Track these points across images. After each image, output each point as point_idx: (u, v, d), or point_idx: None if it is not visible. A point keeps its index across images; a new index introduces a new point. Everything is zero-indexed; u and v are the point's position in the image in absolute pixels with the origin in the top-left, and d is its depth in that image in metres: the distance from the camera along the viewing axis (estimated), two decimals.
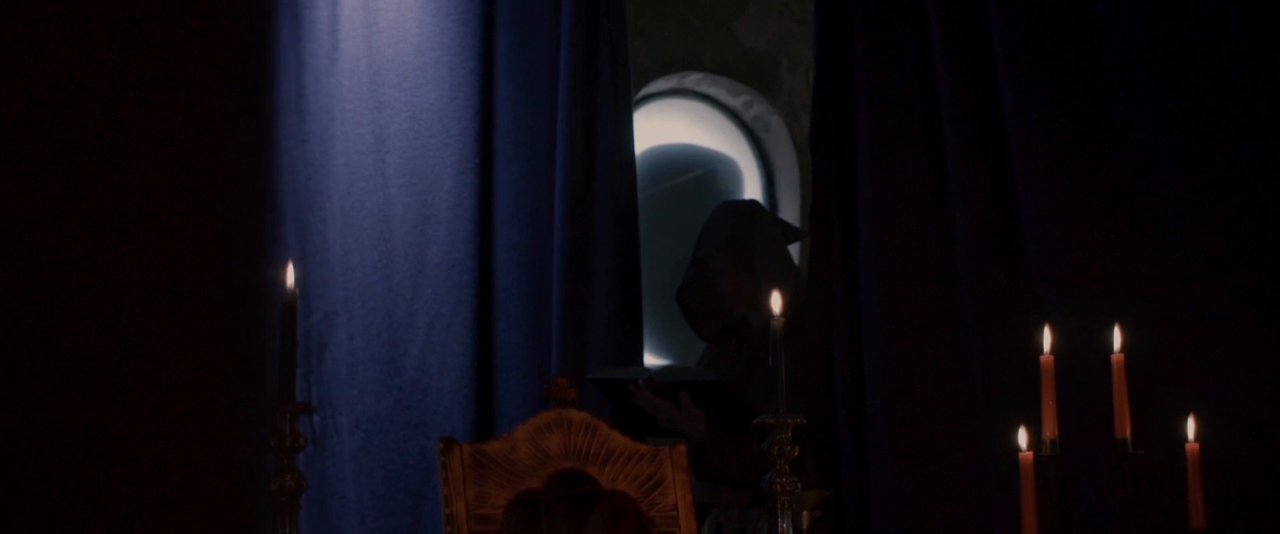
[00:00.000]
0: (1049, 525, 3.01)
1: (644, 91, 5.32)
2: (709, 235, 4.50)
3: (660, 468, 2.67)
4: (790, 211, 5.41)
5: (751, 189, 5.52)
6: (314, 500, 4.09)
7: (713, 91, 5.54)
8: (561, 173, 4.32)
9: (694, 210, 5.36)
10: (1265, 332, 3.88)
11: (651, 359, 5.26)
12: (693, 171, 5.43)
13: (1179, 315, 3.83)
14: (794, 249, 4.63)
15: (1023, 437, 2.91)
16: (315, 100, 4.19)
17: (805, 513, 3.03)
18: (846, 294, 4.20)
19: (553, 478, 2.63)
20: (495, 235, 4.34)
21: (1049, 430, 2.89)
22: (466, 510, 2.56)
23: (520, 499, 2.63)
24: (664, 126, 5.46)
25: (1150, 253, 3.97)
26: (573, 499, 2.71)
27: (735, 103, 5.53)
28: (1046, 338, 2.93)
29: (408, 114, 4.29)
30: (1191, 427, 2.97)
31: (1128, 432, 2.91)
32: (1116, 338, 2.97)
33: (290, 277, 2.49)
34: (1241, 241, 3.97)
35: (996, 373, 3.73)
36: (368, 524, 4.12)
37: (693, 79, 5.46)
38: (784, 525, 2.76)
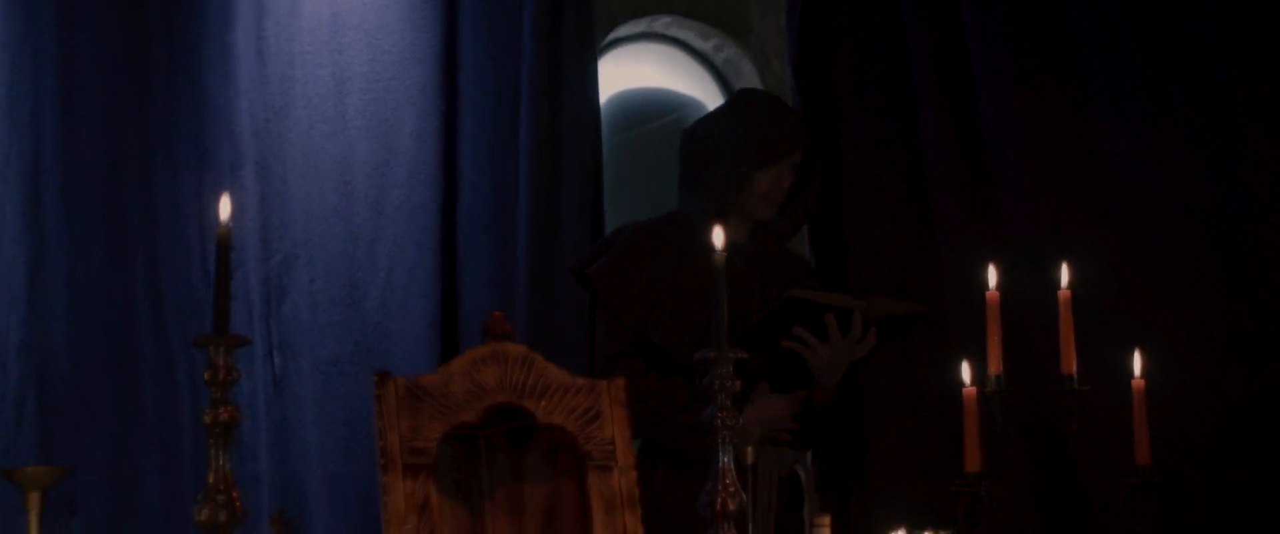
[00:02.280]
0: (999, 460, 3.01)
1: (613, 35, 5.30)
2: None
3: (598, 401, 2.66)
4: None
5: None
6: (275, 443, 4.10)
7: (683, 35, 5.51)
8: (526, 117, 4.30)
9: (664, 156, 5.34)
10: (1220, 276, 3.89)
11: None
12: (663, 117, 5.41)
13: (1135, 257, 3.85)
14: None
15: (966, 371, 2.90)
16: (275, 42, 4.17)
17: (749, 449, 3.02)
18: (821, 236, 4.23)
19: (488, 411, 2.62)
20: (459, 178, 4.32)
21: (994, 366, 2.88)
22: (400, 442, 2.55)
23: (455, 432, 2.62)
24: (634, 71, 5.43)
25: (1114, 197, 3.98)
26: (509, 432, 2.70)
27: (706, 47, 5.51)
28: (991, 275, 2.92)
29: (369, 56, 4.26)
30: (1138, 363, 2.96)
31: (1073, 367, 2.90)
32: (1064, 274, 2.96)
33: (225, 209, 2.47)
34: (1204, 189, 3.98)
35: (969, 315, 3.74)
36: (329, 467, 4.12)
37: (663, 22, 5.44)
38: (725, 460, 2.74)
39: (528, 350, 2.67)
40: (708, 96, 5.52)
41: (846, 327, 3.61)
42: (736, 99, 4.12)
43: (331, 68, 4.22)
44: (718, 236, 2.83)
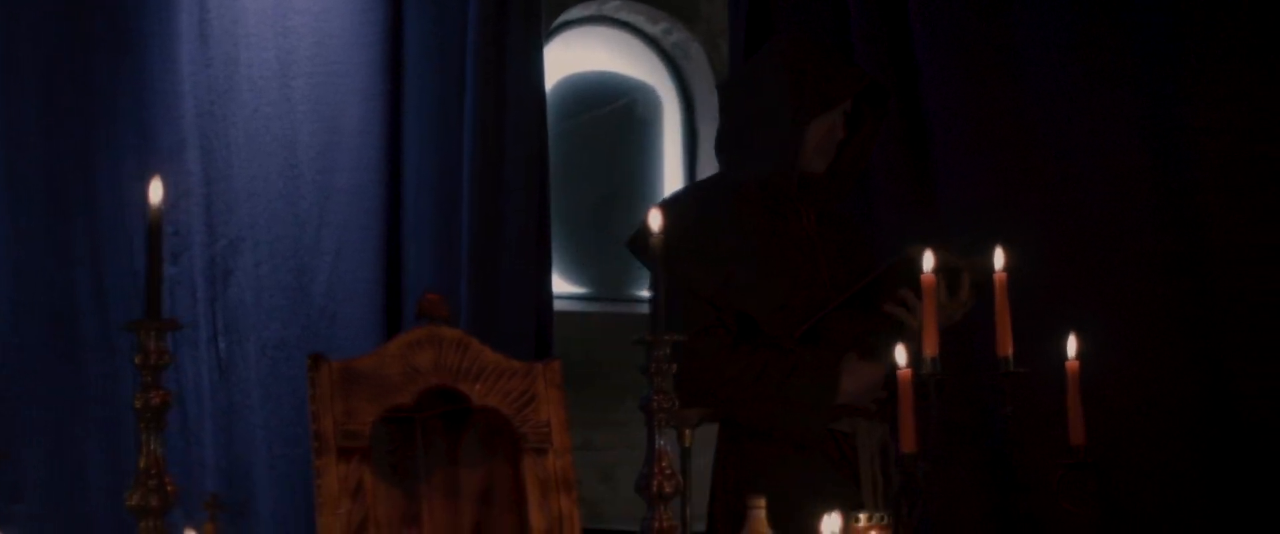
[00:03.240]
0: (938, 441, 3.03)
1: (562, 18, 5.29)
2: None
3: (533, 384, 2.66)
4: (710, 141, 5.38)
5: (671, 118, 5.51)
6: (220, 428, 4.09)
7: (632, 19, 5.51)
8: (471, 102, 4.30)
9: (613, 141, 5.35)
10: (1159, 257, 3.92)
11: (569, 286, 5.28)
12: (613, 102, 5.41)
13: (1073, 239, 3.87)
14: None
15: (901, 354, 2.91)
16: (219, 25, 4.15)
17: (687, 431, 3.04)
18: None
19: (423, 393, 2.62)
20: (404, 161, 4.31)
21: (930, 348, 2.90)
22: (334, 426, 2.54)
23: (390, 415, 2.61)
24: (583, 54, 5.43)
25: (1052, 179, 4.00)
26: (445, 415, 2.70)
27: (655, 30, 5.51)
28: (928, 259, 2.93)
29: (314, 39, 4.25)
30: (1072, 345, 2.98)
31: (1009, 350, 2.92)
32: (999, 257, 2.98)
33: (156, 193, 2.46)
34: (1143, 170, 4.01)
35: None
36: (275, 451, 4.12)
37: (612, 6, 5.44)
38: (660, 443, 2.75)
39: (463, 333, 2.67)
40: (657, 81, 5.53)
41: (951, 288, 3.42)
42: (779, 46, 3.75)
43: (276, 50, 4.21)
44: (655, 219, 2.83)
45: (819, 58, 3.64)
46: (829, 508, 3.33)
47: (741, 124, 3.66)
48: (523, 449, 2.66)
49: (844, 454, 3.52)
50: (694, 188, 3.76)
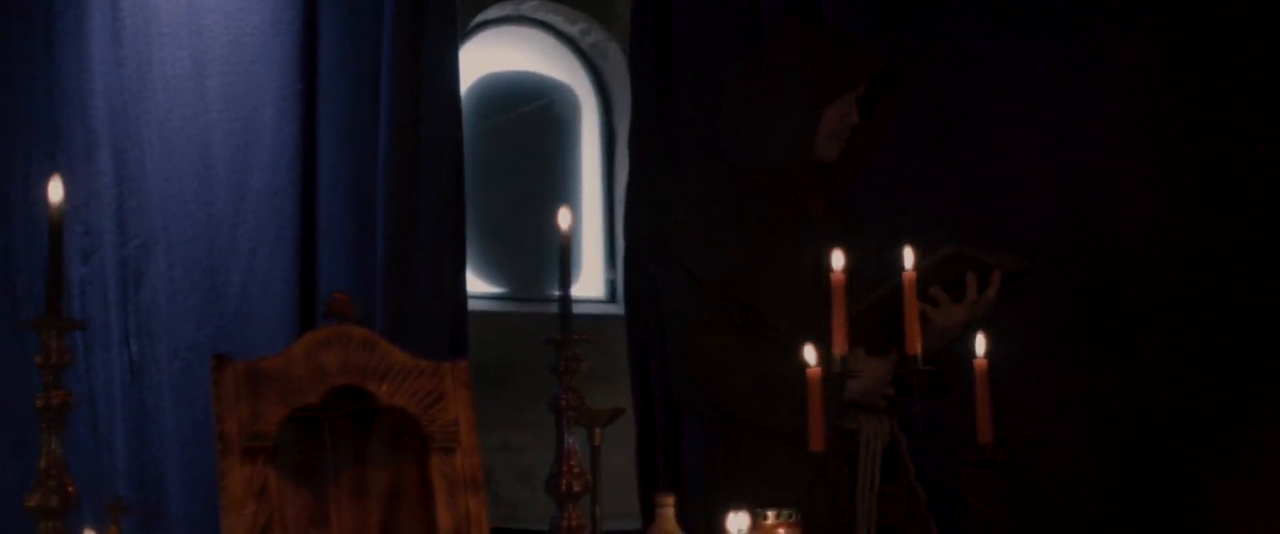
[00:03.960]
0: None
1: (480, 17, 5.28)
2: None
3: (441, 383, 2.66)
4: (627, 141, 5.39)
5: (589, 118, 5.51)
6: (132, 431, 4.06)
7: (550, 19, 5.50)
8: (387, 101, 4.28)
9: (531, 141, 5.34)
10: (1065, 254, 3.95)
11: (487, 286, 5.27)
12: (531, 103, 5.40)
13: (979, 237, 3.89)
14: None
15: (811, 353, 2.93)
16: (132, 24, 4.11)
17: (598, 430, 3.04)
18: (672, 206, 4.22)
19: (330, 393, 2.61)
20: (319, 162, 4.29)
21: (839, 348, 2.91)
22: (239, 427, 2.53)
23: (298, 415, 2.60)
24: (501, 54, 5.42)
25: (958, 176, 4.01)
26: (353, 415, 2.69)
27: (573, 30, 5.51)
28: (837, 257, 2.95)
29: (229, 38, 4.22)
30: (981, 343, 3.00)
31: (918, 348, 2.93)
32: (908, 256, 3.00)
33: (56, 192, 2.44)
34: (1048, 166, 4.03)
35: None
36: (188, 454, 4.08)
37: (529, 5, 5.43)
38: (570, 442, 2.76)
39: (371, 333, 2.66)
40: (575, 81, 5.52)
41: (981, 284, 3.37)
42: (790, 28, 3.61)
43: (190, 50, 4.18)
44: (565, 218, 2.83)
45: (833, 41, 3.53)
46: (828, 508, 3.35)
47: (750, 109, 3.53)
48: (431, 449, 2.66)
49: (849, 452, 3.46)
50: (699, 174, 3.59)
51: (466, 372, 2.68)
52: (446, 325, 4.25)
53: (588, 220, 5.49)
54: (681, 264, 3.47)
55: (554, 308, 4.38)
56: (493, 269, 5.36)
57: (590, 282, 5.50)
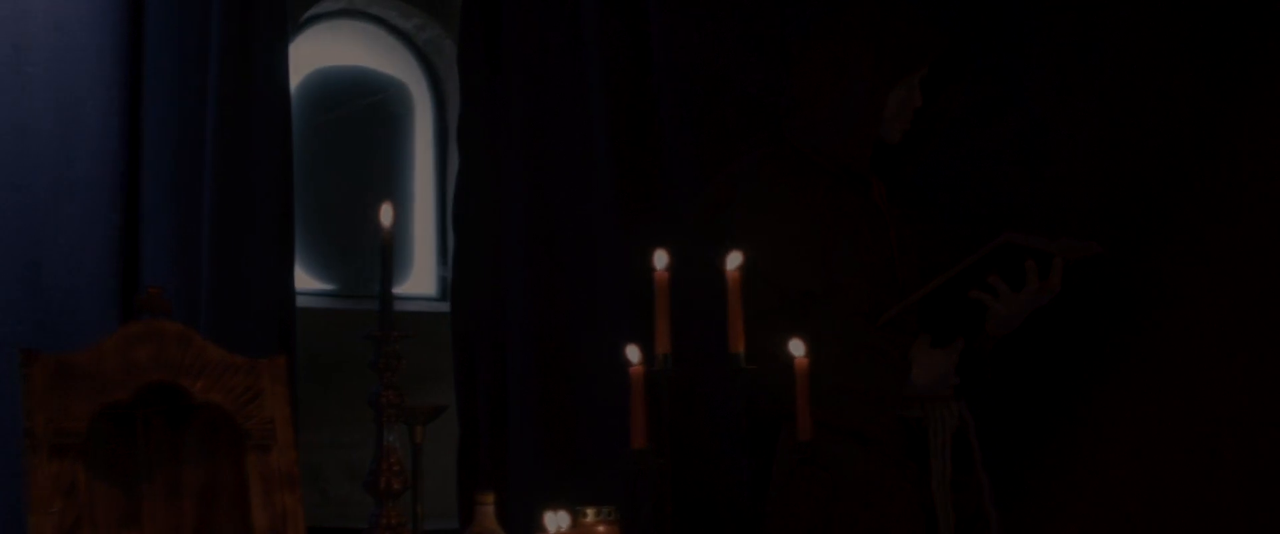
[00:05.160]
0: (670, 437, 3.06)
1: (312, 11, 5.22)
2: None
3: (257, 380, 2.63)
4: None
5: (422, 115, 5.48)
6: None
7: (384, 13, 5.47)
8: (213, 93, 4.21)
9: (364, 137, 5.31)
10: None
11: (318, 282, 5.22)
12: (364, 98, 5.36)
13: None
14: None
15: (634, 352, 2.94)
16: None
17: (419, 428, 3.02)
18: (496, 205, 4.23)
19: (143, 389, 2.56)
20: (143, 153, 4.22)
21: (662, 346, 2.92)
22: (46, 423, 2.48)
23: (110, 411, 2.56)
24: (334, 48, 5.37)
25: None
26: (167, 412, 2.65)
27: (407, 25, 5.48)
28: (660, 256, 2.96)
29: (51, 23, 4.13)
30: (799, 344, 3.04)
31: (741, 347, 2.96)
32: (733, 257, 3.02)
33: None
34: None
35: (633, 284, 3.78)
36: (7, 453, 3.99)
37: (363, 0, 5.39)
38: (390, 439, 2.74)
39: (185, 328, 2.63)
40: (410, 78, 5.49)
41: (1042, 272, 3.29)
42: (855, 5, 3.49)
43: (11, 34, 4.08)
44: (386, 214, 2.81)
45: (898, 18, 3.43)
46: (897, 500, 3.33)
47: (812, 90, 3.44)
48: (246, 446, 2.63)
49: (914, 443, 3.41)
50: (758, 159, 3.46)
51: (284, 368, 2.65)
52: (274, 321, 4.20)
53: (420, 217, 5.47)
54: (748, 254, 3.22)
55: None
56: (324, 265, 5.31)
57: (422, 279, 5.47)
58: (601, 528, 2.79)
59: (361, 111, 5.31)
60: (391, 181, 5.37)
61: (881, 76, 3.39)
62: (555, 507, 2.74)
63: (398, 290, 5.18)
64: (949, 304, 3.34)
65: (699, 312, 3.41)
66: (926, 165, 3.68)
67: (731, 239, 3.23)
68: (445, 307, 4.90)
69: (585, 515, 2.79)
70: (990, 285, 3.33)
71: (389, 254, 2.78)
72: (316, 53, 5.22)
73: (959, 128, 3.74)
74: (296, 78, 4.71)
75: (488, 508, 2.79)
